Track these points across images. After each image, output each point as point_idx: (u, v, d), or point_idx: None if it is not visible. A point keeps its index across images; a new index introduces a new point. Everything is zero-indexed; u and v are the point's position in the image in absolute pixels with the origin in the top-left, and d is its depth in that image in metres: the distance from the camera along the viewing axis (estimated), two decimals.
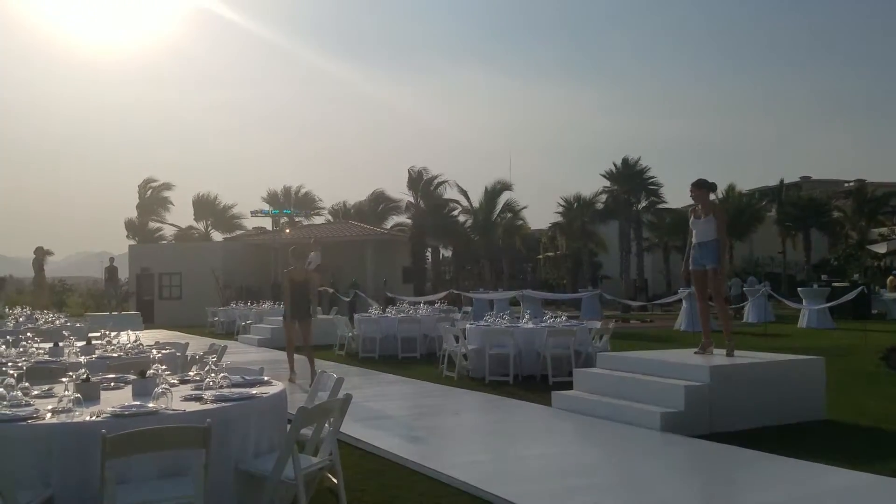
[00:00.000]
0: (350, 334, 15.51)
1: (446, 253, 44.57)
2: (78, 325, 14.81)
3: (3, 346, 6.92)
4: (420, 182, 39.21)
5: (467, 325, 12.10)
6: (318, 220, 45.60)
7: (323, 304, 23.35)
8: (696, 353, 8.30)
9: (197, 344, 12.89)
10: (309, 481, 4.51)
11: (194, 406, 4.16)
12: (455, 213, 40.84)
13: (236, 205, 46.85)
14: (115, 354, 6.96)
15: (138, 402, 4.14)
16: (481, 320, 12.84)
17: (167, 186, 46.72)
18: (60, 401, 4.03)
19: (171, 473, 3.87)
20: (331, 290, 24.26)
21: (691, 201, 8.56)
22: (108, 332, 8.81)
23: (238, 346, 17.95)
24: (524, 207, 41.71)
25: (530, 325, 11.56)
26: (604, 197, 39.93)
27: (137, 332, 10.17)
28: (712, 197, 8.46)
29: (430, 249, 41.13)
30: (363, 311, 18.21)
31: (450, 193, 40.53)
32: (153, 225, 46.29)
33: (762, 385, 7.46)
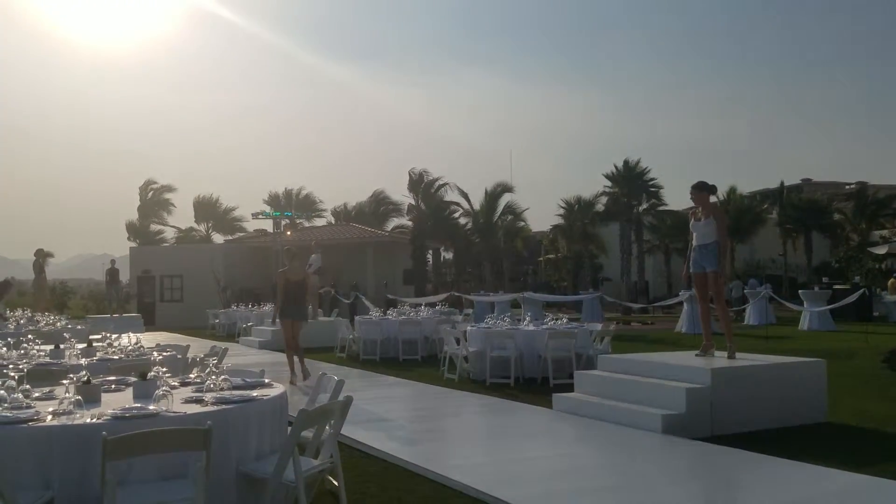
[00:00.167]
0: (351, 336, 15.51)
1: (447, 255, 44.58)
2: (79, 327, 14.81)
3: (4, 348, 6.91)
4: (421, 184, 39.22)
5: (468, 328, 12.10)
6: (319, 222, 45.66)
7: (324, 306, 23.39)
8: (697, 355, 8.29)
9: (198, 346, 12.89)
10: (310, 483, 4.51)
11: (195, 408, 4.16)
12: (456, 215, 40.85)
13: (237, 207, 46.93)
14: (116, 357, 6.96)
15: (139, 405, 4.14)
16: (482, 322, 12.83)
17: (168, 188, 46.75)
18: (61, 403, 4.03)
19: (171, 476, 3.87)
20: (332, 291, 24.28)
21: (692, 203, 8.56)
22: (109, 335, 8.80)
23: (239, 348, 17.95)
24: (525, 209, 41.73)
25: (531, 328, 11.56)
26: (604, 199, 39.92)
27: (138, 335, 10.18)
28: (713, 199, 8.46)
29: (430, 251, 41.13)
30: (364, 313, 18.21)
31: (451, 196, 40.59)
32: (154, 227, 46.31)
33: (763, 387, 7.46)
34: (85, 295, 41.42)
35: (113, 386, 4.95)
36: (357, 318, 16.56)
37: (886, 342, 15.13)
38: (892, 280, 27.28)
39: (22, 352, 6.99)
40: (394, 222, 44.95)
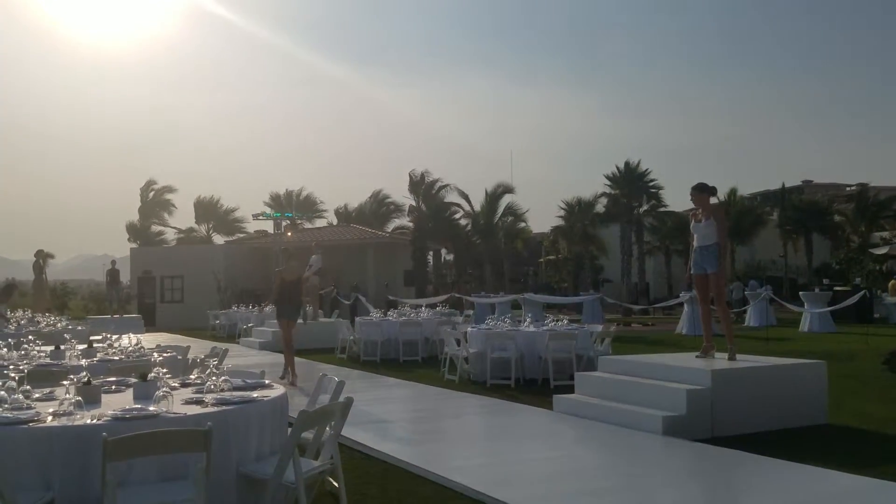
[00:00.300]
0: (351, 337, 15.51)
1: (448, 256, 44.59)
2: (79, 328, 14.80)
3: (5, 349, 6.92)
4: (422, 185, 39.23)
5: (469, 329, 12.09)
6: (319, 222, 45.70)
7: (325, 307, 23.38)
8: (697, 356, 8.29)
9: (198, 347, 12.88)
10: (310, 485, 4.51)
11: (195, 409, 4.16)
12: (457, 216, 40.86)
13: (238, 208, 46.97)
14: (116, 357, 6.96)
15: (139, 406, 4.14)
16: (483, 324, 12.83)
17: (169, 189, 46.78)
18: (61, 404, 4.03)
19: (172, 477, 3.86)
20: (334, 292, 24.27)
21: (692, 205, 8.56)
22: (109, 335, 8.82)
23: (239, 349, 17.95)
24: (526, 211, 41.73)
25: (532, 329, 11.56)
26: (605, 200, 39.93)
27: (139, 335, 10.19)
28: (713, 201, 8.46)
29: (431, 252, 41.14)
30: (364, 315, 18.21)
31: (451, 197, 40.60)
32: (155, 228, 46.33)
33: (764, 389, 7.45)
34: (85, 296, 41.40)
35: (113, 387, 4.95)
36: (357, 319, 16.57)
37: (887, 344, 15.11)
38: (892, 282, 27.26)
39: (22, 353, 6.99)
40: (395, 223, 45.00)
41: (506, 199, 40.89)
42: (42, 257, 20.92)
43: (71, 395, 4.10)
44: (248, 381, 5.06)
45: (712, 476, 6.05)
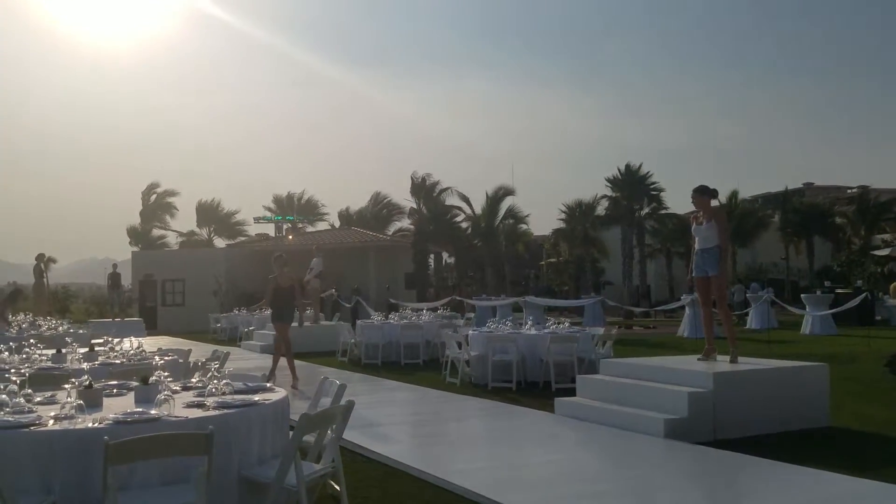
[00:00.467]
0: (353, 340, 15.50)
1: (449, 259, 44.59)
2: (81, 331, 14.82)
3: (6, 353, 6.92)
4: (423, 188, 39.23)
5: (470, 332, 12.08)
6: (321, 226, 45.71)
7: (325, 310, 23.37)
8: (699, 359, 8.28)
9: (199, 350, 12.89)
10: (311, 488, 4.50)
11: (197, 413, 4.16)
12: (458, 219, 40.86)
13: (239, 211, 47.01)
14: (117, 361, 6.97)
15: (141, 409, 4.13)
16: (484, 326, 12.82)
17: (171, 192, 46.82)
18: (63, 407, 4.03)
19: (173, 480, 3.86)
20: (335, 295, 24.27)
21: (693, 207, 8.56)
22: (110, 339, 8.81)
23: (241, 352, 17.95)
24: (527, 216, 41.73)
25: (533, 332, 11.54)
26: (605, 203, 39.93)
27: (140, 339, 10.19)
28: (714, 203, 8.46)
29: (432, 255, 41.14)
30: (366, 318, 18.20)
31: (452, 199, 40.61)
32: (156, 232, 46.37)
33: (766, 392, 7.44)
34: (87, 299, 41.43)
35: (115, 390, 4.95)
36: (359, 322, 16.57)
37: (888, 346, 15.09)
38: (894, 284, 27.24)
39: (24, 356, 7.00)
40: (395, 225, 45.01)
41: (507, 202, 40.93)
42: (42, 261, 20.95)
43: (72, 399, 4.10)
44: (250, 384, 5.06)
45: (714, 479, 6.04)
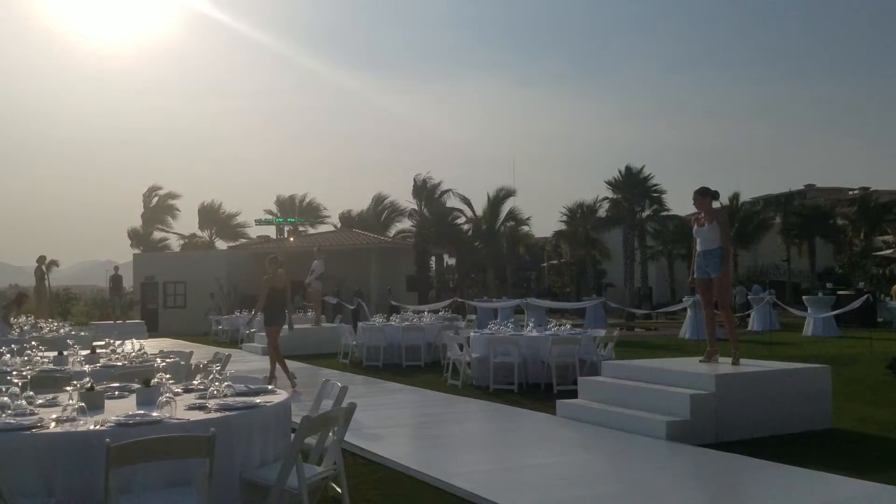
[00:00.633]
0: (354, 343, 15.50)
1: (450, 261, 44.59)
2: (82, 333, 14.84)
3: (8, 355, 6.93)
4: (424, 190, 39.24)
5: (471, 334, 12.08)
6: (322, 228, 45.72)
7: (327, 312, 23.37)
8: (701, 361, 8.27)
9: (201, 352, 12.90)
10: (313, 491, 4.50)
11: (198, 415, 4.15)
12: (459, 221, 40.86)
13: (240, 213, 47.07)
14: (119, 363, 6.97)
15: (142, 411, 4.13)
16: (485, 328, 12.82)
17: (173, 195, 46.87)
18: (65, 409, 4.03)
19: (175, 483, 3.86)
20: (333, 301, 24.26)
21: (695, 209, 8.56)
22: (112, 341, 8.82)
23: (242, 354, 17.94)
24: (528, 218, 41.74)
25: (535, 334, 11.54)
26: (607, 204, 39.94)
27: (142, 341, 10.19)
28: (715, 205, 8.46)
29: (434, 257, 41.14)
30: (367, 320, 18.19)
31: (454, 201, 40.62)
32: (157, 234, 46.42)
33: (768, 394, 7.43)
34: (88, 301, 41.38)
35: (116, 392, 4.95)
36: (360, 324, 16.57)
37: (890, 348, 15.09)
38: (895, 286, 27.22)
39: (25, 358, 7.00)
40: (397, 227, 45.02)
41: (508, 204, 40.95)
42: (44, 263, 20.97)
43: (74, 401, 4.10)
44: (251, 386, 5.06)
45: (716, 481, 6.03)
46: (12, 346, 7.38)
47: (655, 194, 39.27)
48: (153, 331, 28.33)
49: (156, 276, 34.12)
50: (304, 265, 20.84)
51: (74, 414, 3.97)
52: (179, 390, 4.85)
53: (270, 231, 43.85)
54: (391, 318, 16.69)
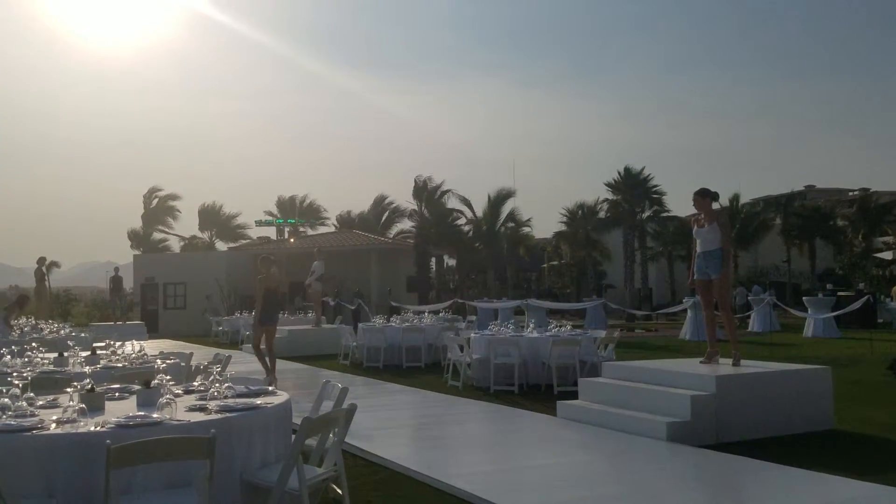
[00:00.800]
0: (354, 344, 15.50)
1: (451, 262, 44.60)
2: (82, 334, 14.82)
3: (8, 356, 6.92)
4: (425, 191, 39.26)
5: (472, 335, 12.08)
6: (322, 229, 45.74)
7: (327, 313, 23.37)
8: (701, 362, 8.27)
9: (201, 354, 12.89)
10: (313, 492, 4.49)
11: (199, 416, 4.15)
12: (459, 221, 40.88)
13: (240, 213, 47.11)
14: (119, 364, 6.96)
15: (143, 413, 4.13)
16: (486, 329, 12.82)
17: (173, 196, 46.90)
18: (65, 411, 4.02)
19: (175, 484, 3.85)
20: (332, 303, 24.27)
21: (695, 210, 8.56)
22: (112, 342, 8.81)
23: (242, 355, 17.90)
24: (529, 219, 41.76)
25: (535, 335, 11.54)
26: (606, 206, 39.95)
27: (142, 342, 10.18)
28: (715, 206, 8.46)
29: (434, 258, 41.15)
30: (367, 321, 18.19)
31: (454, 202, 40.63)
32: (157, 235, 46.44)
33: (769, 395, 7.43)
34: (88, 303, 41.39)
35: (117, 394, 4.94)
36: (360, 325, 16.58)
37: (891, 349, 15.09)
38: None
39: (26, 360, 6.99)
40: (397, 227, 45.04)
41: (508, 205, 40.96)
42: (44, 265, 20.96)
43: (74, 403, 4.09)
44: (252, 387, 5.05)
45: (717, 482, 6.02)
46: (13, 347, 7.37)
47: (655, 195, 39.28)
48: (153, 332, 28.32)
49: (156, 277, 34.12)
50: (304, 266, 20.84)
51: (75, 415, 3.97)
52: (180, 392, 4.84)
53: (271, 232, 43.89)
54: (391, 319, 16.69)
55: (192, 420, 4.06)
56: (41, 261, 20.92)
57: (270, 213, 45.46)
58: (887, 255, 34.57)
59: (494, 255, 40.91)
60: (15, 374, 5.71)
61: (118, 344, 8.77)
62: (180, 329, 29.89)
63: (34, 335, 13.00)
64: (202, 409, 4.31)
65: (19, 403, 4.15)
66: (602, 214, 40.11)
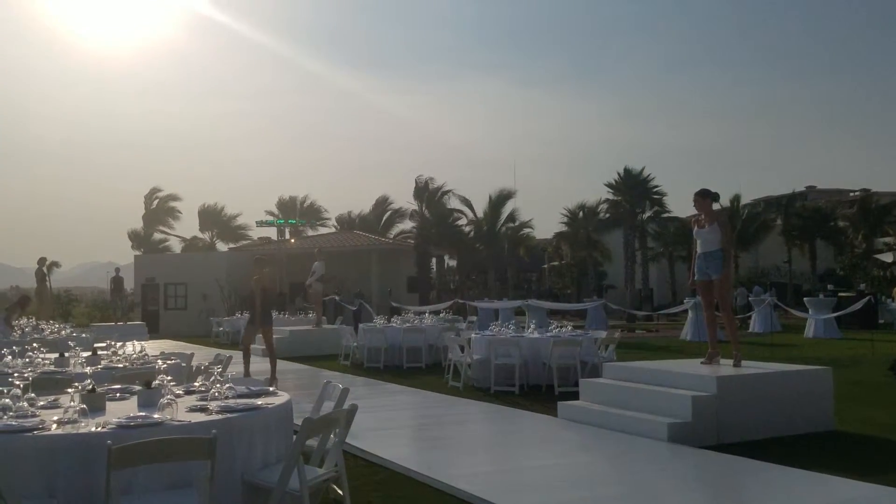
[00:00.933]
0: (355, 344, 15.50)
1: (451, 262, 44.61)
2: (83, 335, 14.82)
3: (10, 357, 6.92)
4: (426, 191, 39.27)
5: (472, 335, 12.08)
6: (323, 230, 45.72)
7: (328, 313, 23.37)
8: (702, 363, 8.27)
9: (202, 354, 12.89)
10: (314, 493, 4.49)
11: (199, 417, 4.15)
12: (460, 222, 40.89)
13: (241, 214, 47.12)
14: (120, 365, 6.96)
15: (144, 413, 4.13)
16: (486, 330, 12.82)
17: (174, 197, 46.91)
18: (66, 411, 4.03)
19: (176, 485, 3.85)
20: (337, 298, 24.28)
21: (695, 210, 8.56)
22: (113, 343, 8.82)
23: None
24: (530, 220, 41.77)
25: (536, 335, 11.54)
26: (606, 206, 39.95)
27: (143, 343, 10.18)
28: (715, 206, 8.46)
29: (434, 259, 41.16)
30: (368, 321, 18.19)
31: (454, 202, 40.66)
32: (158, 236, 46.46)
33: (770, 395, 7.42)
34: (89, 303, 41.41)
35: (118, 394, 4.94)
36: (361, 325, 16.58)
37: (892, 350, 15.08)
38: None
39: (27, 360, 7.00)
40: (398, 228, 45.04)
41: (509, 206, 40.98)
42: (45, 265, 20.96)
43: (75, 403, 4.09)
44: (253, 388, 5.05)
45: (718, 483, 6.02)
46: (14, 347, 7.38)
47: (656, 196, 39.29)
48: (154, 332, 28.34)
49: (157, 277, 34.13)
50: (305, 267, 20.84)
51: (76, 416, 3.97)
52: (180, 392, 4.84)
53: (271, 233, 43.81)
54: (392, 319, 16.69)
55: (192, 421, 4.06)
56: (42, 261, 20.93)
57: (271, 214, 45.47)
58: (888, 257, 34.56)
59: (495, 256, 40.91)
60: (16, 374, 5.71)
61: (119, 344, 8.78)
62: (181, 329, 29.89)
63: (35, 336, 13.01)
64: (203, 409, 4.31)
65: (20, 404, 4.16)
66: (602, 215, 40.12)
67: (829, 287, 29.85)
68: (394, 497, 5.52)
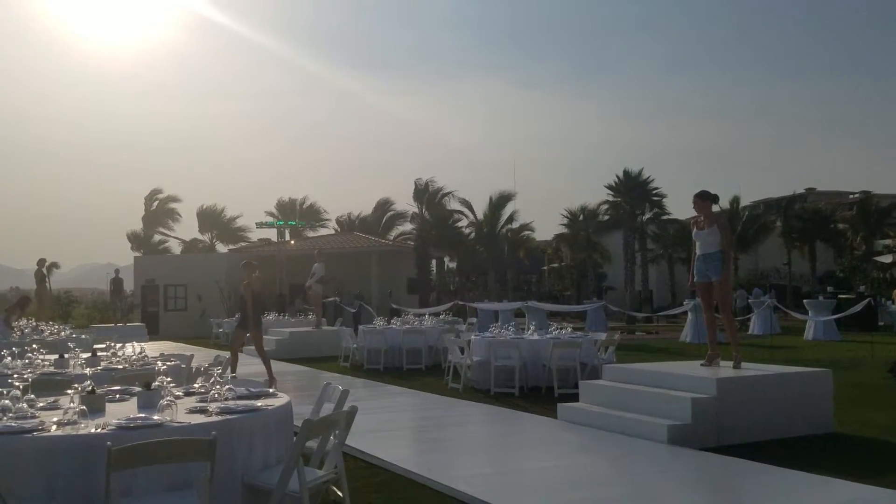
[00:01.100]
0: (354, 346, 15.50)
1: (451, 264, 44.61)
2: (83, 336, 14.81)
3: (9, 358, 6.92)
4: (426, 193, 39.28)
5: (472, 337, 12.07)
6: (323, 231, 45.72)
7: (328, 315, 23.37)
8: (702, 365, 8.26)
9: (202, 356, 12.88)
10: (314, 494, 4.49)
11: (199, 418, 4.15)
12: (460, 224, 40.90)
13: (241, 215, 47.10)
14: (120, 366, 6.96)
15: (143, 415, 4.13)
16: (486, 332, 12.81)
17: (174, 198, 46.90)
18: (66, 413, 4.02)
19: (176, 486, 3.85)
20: (336, 298, 24.28)
21: (695, 212, 8.56)
22: (113, 344, 8.81)
23: (243, 357, 17.83)
24: (530, 222, 41.80)
25: (535, 337, 11.53)
26: (606, 208, 39.97)
27: (142, 344, 10.18)
28: (715, 208, 8.47)
29: (434, 260, 41.16)
30: (368, 323, 18.18)
31: (454, 204, 40.67)
32: (158, 237, 46.45)
33: (770, 397, 7.42)
34: (89, 304, 41.40)
35: (117, 396, 4.94)
36: (361, 327, 16.57)
37: (892, 352, 15.08)
38: None
39: (26, 361, 6.99)
40: (398, 230, 45.03)
41: (509, 207, 40.99)
42: (44, 266, 20.96)
43: (75, 404, 4.09)
44: (252, 389, 5.05)
45: (718, 485, 6.02)
46: (13, 348, 7.37)
47: (656, 198, 39.33)
48: (154, 334, 28.33)
49: (156, 278, 34.12)
50: (304, 268, 20.84)
51: (75, 417, 3.97)
52: (180, 393, 4.83)
53: (271, 234, 43.76)
54: (392, 321, 16.68)
55: (192, 422, 4.06)
56: (41, 262, 20.93)
57: (271, 215, 45.45)
58: (888, 259, 34.57)
59: (495, 258, 40.91)
60: (16, 375, 5.70)
61: (119, 346, 8.77)
62: (181, 331, 29.88)
63: (35, 337, 13.00)
64: (203, 410, 4.31)
65: (20, 405, 4.15)
66: (602, 217, 40.14)
67: (829, 289, 29.83)
68: (394, 499, 5.52)
